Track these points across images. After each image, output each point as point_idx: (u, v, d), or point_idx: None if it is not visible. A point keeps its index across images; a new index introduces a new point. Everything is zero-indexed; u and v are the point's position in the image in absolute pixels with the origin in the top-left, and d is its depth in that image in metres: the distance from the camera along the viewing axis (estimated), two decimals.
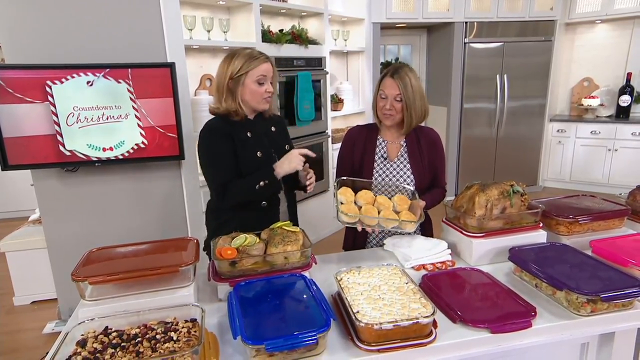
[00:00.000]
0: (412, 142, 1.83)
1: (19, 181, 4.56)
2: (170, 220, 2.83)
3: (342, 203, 1.56)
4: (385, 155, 1.82)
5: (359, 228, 1.54)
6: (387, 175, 1.80)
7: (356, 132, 1.89)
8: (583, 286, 1.21)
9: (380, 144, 1.84)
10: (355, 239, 1.88)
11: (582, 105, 5.28)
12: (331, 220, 3.86)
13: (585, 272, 1.30)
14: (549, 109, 5.24)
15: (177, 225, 2.84)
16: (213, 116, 1.74)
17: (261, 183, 1.62)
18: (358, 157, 1.83)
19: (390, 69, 1.73)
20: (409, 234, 1.83)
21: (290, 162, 1.64)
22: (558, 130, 5.32)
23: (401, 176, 1.80)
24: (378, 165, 1.82)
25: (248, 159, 1.68)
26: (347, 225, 1.54)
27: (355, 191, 1.63)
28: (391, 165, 1.81)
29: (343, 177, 1.69)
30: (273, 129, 1.82)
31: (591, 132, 5.12)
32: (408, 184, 1.79)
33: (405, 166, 1.81)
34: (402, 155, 1.82)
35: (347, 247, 1.93)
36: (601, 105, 5.22)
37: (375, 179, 1.81)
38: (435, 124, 5.29)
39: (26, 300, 3.18)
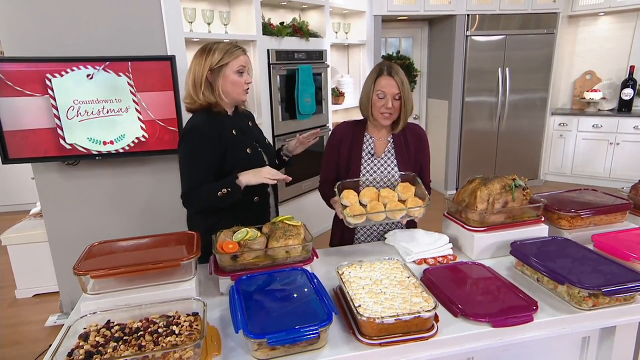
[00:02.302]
0: (399, 138, 1.82)
1: (20, 174, 4.56)
2: (171, 213, 2.82)
3: (346, 206, 1.55)
4: (372, 152, 1.81)
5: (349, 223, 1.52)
6: (374, 172, 1.79)
7: (342, 129, 1.87)
8: (585, 280, 1.21)
9: (367, 140, 1.83)
10: (343, 235, 1.88)
11: (584, 98, 5.26)
12: (329, 215, 3.86)
13: (587, 266, 1.30)
14: (550, 102, 5.21)
15: (177, 218, 2.82)
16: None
17: (223, 190, 1.57)
18: (345, 154, 1.82)
19: (384, 68, 1.71)
20: (410, 227, 1.83)
21: (257, 176, 1.59)
22: (560, 124, 5.30)
23: (388, 172, 1.79)
24: (365, 161, 1.80)
25: (239, 157, 1.67)
26: (358, 226, 1.53)
27: (356, 191, 1.62)
28: (378, 162, 1.80)
29: (347, 180, 1.68)
30: (250, 123, 1.83)
31: (593, 126, 5.10)
32: (396, 179, 1.76)
33: (392, 162, 1.80)
34: (388, 152, 1.81)
35: (334, 244, 1.92)
36: (603, 98, 5.19)
37: (363, 175, 1.79)
38: (436, 117, 5.28)
39: (28, 293, 3.20)
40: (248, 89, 1.70)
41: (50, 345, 2.66)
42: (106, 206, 2.69)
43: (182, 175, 1.67)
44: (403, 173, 1.72)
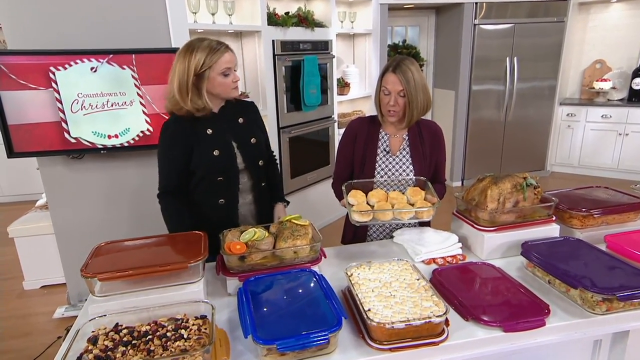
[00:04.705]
0: (415, 135, 1.78)
1: (27, 164, 4.54)
2: None
3: (352, 205, 1.53)
4: (387, 149, 1.78)
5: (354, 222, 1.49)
6: (389, 170, 1.77)
7: (358, 124, 1.84)
8: (598, 284, 1.19)
9: (383, 137, 1.79)
10: (355, 233, 1.86)
11: (594, 88, 5.17)
12: (335, 207, 3.84)
13: (600, 269, 1.28)
14: (559, 92, 5.13)
15: None
16: None
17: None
18: (360, 150, 1.79)
19: (392, 64, 1.67)
20: (420, 225, 1.81)
21: None
22: (568, 114, 5.23)
23: (404, 170, 1.76)
24: (380, 159, 1.78)
25: (204, 158, 1.64)
26: (362, 224, 1.50)
27: (365, 192, 1.59)
28: (393, 160, 1.77)
29: (351, 181, 1.64)
30: (241, 120, 1.74)
31: (602, 116, 5.03)
32: (411, 178, 1.74)
33: (407, 160, 1.77)
34: (404, 149, 1.78)
35: (346, 242, 1.90)
36: (613, 88, 5.11)
37: (378, 172, 1.77)
38: (442, 107, 5.21)
39: (36, 284, 3.22)
40: (237, 85, 1.63)
41: (58, 337, 2.68)
42: (112, 200, 2.69)
43: (158, 172, 1.70)
44: (416, 178, 1.70)
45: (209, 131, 1.65)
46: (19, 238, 3.09)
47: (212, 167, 1.66)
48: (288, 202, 1.94)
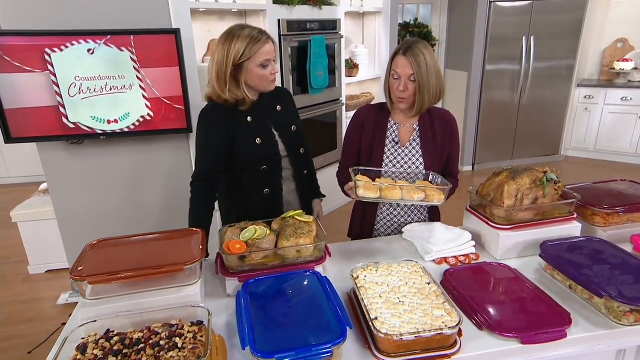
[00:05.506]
0: (426, 125, 1.66)
1: (31, 145, 4.50)
2: (178, 193, 2.75)
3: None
4: (396, 140, 1.67)
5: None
6: (398, 162, 1.66)
7: (366, 113, 1.73)
8: (626, 293, 1.09)
9: (392, 127, 1.68)
10: (363, 227, 1.77)
11: (614, 69, 4.95)
12: (341, 192, 3.76)
13: (628, 274, 1.18)
14: (577, 72, 4.92)
15: (184, 199, 2.75)
16: None
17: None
18: (367, 140, 1.68)
19: (403, 46, 1.55)
20: (431, 219, 1.72)
21: None
22: (585, 97, 5.02)
23: (413, 163, 1.65)
24: (389, 150, 1.67)
25: (247, 147, 1.61)
26: (368, 201, 1.40)
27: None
28: (402, 151, 1.66)
29: (360, 167, 1.55)
30: (279, 108, 1.71)
31: (622, 99, 4.82)
32: (420, 171, 1.64)
33: (417, 152, 1.65)
34: (414, 140, 1.66)
35: (353, 236, 1.82)
36: (635, 69, 4.88)
37: (386, 164, 1.67)
38: (454, 89, 5.03)
39: (41, 269, 3.21)
40: (275, 77, 1.59)
41: (62, 324, 2.67)
42: (113, 185, 2.63)
43: (195, 159, 1.67)
44: (427, 172, 1.60)
45: (249, 119, 1.61)
46: (22, 223, 3.07)
47: (255, 155, 1.62)
48: (324, 196, 1.91)
